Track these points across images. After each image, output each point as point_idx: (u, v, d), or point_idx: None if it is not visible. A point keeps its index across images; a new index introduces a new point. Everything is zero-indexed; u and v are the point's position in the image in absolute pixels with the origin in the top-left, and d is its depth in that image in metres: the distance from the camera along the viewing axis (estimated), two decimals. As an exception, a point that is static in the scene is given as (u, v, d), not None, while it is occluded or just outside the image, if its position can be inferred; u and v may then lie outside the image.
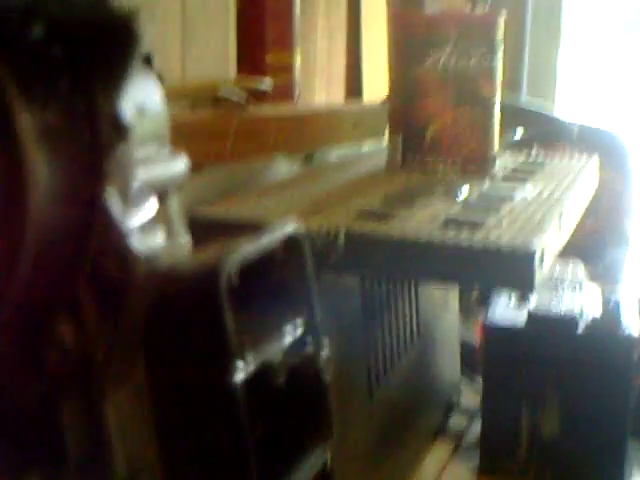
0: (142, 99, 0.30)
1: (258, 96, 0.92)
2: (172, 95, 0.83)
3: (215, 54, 1.10)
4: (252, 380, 0.28)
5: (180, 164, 0.33)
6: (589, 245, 2.16)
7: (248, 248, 0.30)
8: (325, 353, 0.34)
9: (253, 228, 0.66)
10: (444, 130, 0.92)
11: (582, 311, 0.91)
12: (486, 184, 0.85)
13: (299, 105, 0.99)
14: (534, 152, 1.11)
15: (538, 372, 0.91)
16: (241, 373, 0.27)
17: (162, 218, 0.31)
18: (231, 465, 0.28)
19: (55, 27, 0.21)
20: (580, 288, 0.98)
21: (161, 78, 1.09)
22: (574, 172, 0.94)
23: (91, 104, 0.23)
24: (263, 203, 0.73)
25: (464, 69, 0.91)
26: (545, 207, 0.74)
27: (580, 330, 0.89)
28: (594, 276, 1.24)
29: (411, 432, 0.96)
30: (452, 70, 0.92)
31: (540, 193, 0.81)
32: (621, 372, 0.88)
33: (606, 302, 0.93)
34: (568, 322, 0.89)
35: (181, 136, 0.76)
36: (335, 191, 0.80)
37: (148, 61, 1.02)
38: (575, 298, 0.94)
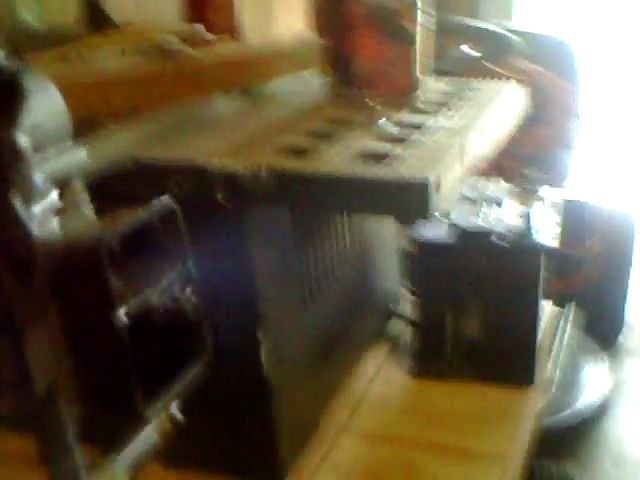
0: (41, 113, 0.38)
1: (199, 41, 1.00)
2: (113, 45, 0.90)
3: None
4: (136, 317, 0.38)
5: (80, 155, 0.42)
6: (542, 152, 2.26)
7: (128, 221, 0.40)
8: (195, 295, 0.44)
9: (187, 169, 0.75)
10: (369, 63, 1.00)
11: (499, 225, 1.01)
12: (405, 115, 0.93)
13: (236, 44, 1.06)
14: (469, 76, 1.19)
15: (462, 281, 1.02)
16: (122, 315, 0.37)
17: (68, 199, 0.40)
18: (119, 381, 0.39)
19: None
20: (500, 204, 1.08)
21: (111, 21, 1.15)
22: (491, 99, 1.02)
23: None
24: (196, 144, 0.81)
25: (386, 3, 0.98)
26: (451, 137, 0.83)
27: (495, 243, 0.99)
28: (545, 181, 1.33)
29: (349, 339, 1.07)
30: (376, 4, 0.99)
31: (452, 122, 0.89)
32: (530, 280, 0.99)
33: (523, 217, 1.03)
34: (484, 236, 0.99)
35: (120, 85, 0.84)
36: (264, 127, 0.88)
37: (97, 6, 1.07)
38: (494, 213, 1.04)
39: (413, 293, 1.09)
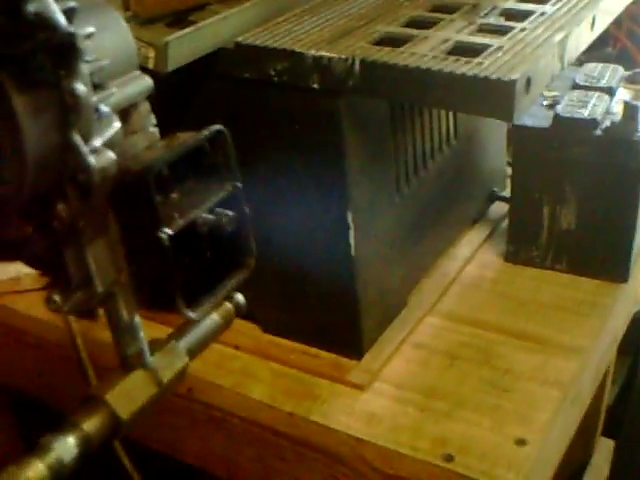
0: (110, 47, 0.43)
1: None
2: None
3: None
4: (184, 231, 0.44)
5: (145, 82, 0.47)
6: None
7: (179, 147, 0.44)
8: (247, 212, 0.49)
9: (285, 57, 0.78)
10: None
11: (605, 115, 0.99)
12: (513, 1, 0.91)
13: None
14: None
15: (559, 170, 1.01)
16: (169, 230, 0.43)
17: (136, 121, 0.46)
18: (165, 287, 0.44)
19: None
20: (612, 93, 1.05)
21: None
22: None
23: (58, 82, 0.38)
24: (296, 32, 0.83)
25: None
26: (554, 32, 0.81)
27: (598, 133, 0.97)
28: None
29: (445, 221, 1.10)
30: None
31: (561, 13, 0.86)
32: (632, 175, 0.97)
33: (631, 108, 1.00)
34: (585, 126, 0.97)
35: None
36: (365, 14, 0.88)
37: None
38: (603, 102, 1.01)
39: (511, 177, 1.09)
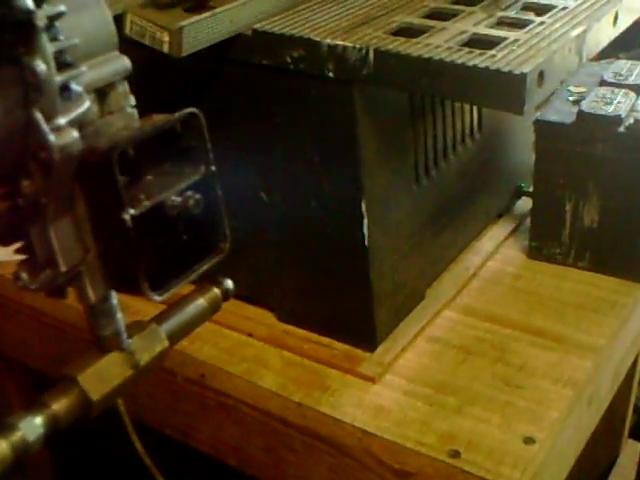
0: (88, 28, 0.43)
1: None
2: None
3: None
4: (149, 213, 0.44)
5: (122, 62, 0.47)
6: None
7: (147, 128, 0.44)
8: (219, 194, 0.49)
9: (301, 45, 0.78)
10: None
11: (629, 113, 0.97)
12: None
13: None
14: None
15: (582, 166, 0.99)
16: (133, 210, 0.43)
17: (113, 101, 0.46)
18: (130, 269, 0.44)
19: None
20: (639, 91, 1.02)
21: None
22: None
23: (18, 59, 0.38)
24: (314, 20, 0.83)
25: None
26: (573, 27, 0.79)
27: (621, 130, 0.95)
28: None
29: (468, 215, 1.08)
30: None
31: (582, 7, 0.84)
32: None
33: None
34: (611, 121, 0.95)
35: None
36: (384, 3, 0.87)
37: None
38: (629, 100, 0.99)
39: (533, 173, 1.07)
